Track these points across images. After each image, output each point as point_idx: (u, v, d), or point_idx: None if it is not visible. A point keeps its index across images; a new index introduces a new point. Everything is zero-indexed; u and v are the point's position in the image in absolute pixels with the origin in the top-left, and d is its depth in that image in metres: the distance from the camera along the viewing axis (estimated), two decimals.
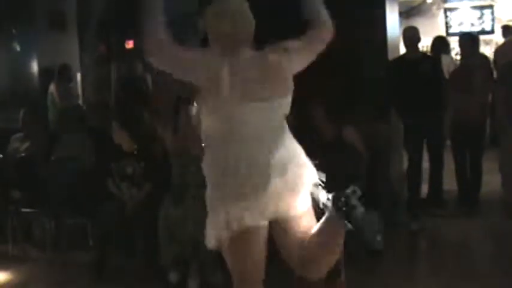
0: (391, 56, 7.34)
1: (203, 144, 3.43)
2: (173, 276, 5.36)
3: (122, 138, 6.02)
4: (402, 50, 7.55)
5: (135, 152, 5.97)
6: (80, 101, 10.50)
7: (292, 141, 3.37)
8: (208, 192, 3.36)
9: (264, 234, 3.28)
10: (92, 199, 6.14)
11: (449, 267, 5.68)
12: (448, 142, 7.48)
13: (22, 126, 7.64)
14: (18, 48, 11.16)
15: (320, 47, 3.47)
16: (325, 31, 3.52)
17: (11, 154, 7.45)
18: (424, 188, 7.34)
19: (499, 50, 10.23)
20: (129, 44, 10.76)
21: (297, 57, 3.36)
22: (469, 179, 7.36)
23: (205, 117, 3.31)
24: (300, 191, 3.29)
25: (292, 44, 3.37)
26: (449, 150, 7.44)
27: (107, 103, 9.28)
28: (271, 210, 3.23)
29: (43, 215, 6.58)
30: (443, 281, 5.29)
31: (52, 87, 9.54)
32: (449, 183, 7.42)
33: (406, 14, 12.86)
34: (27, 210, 6.65)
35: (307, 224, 3.35)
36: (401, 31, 7.55)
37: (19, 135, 7.62)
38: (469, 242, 6.49)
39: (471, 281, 5.31)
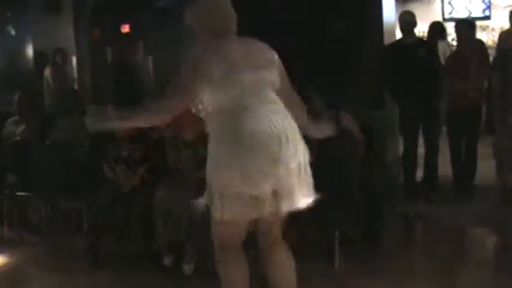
0: (387, 41, 7.33)
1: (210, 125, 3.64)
2: (168, 260, 5.36)
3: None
4: (398, 35, 7.54)
5: (131, 137, 5.95)
6: (76, 85, 10.49)
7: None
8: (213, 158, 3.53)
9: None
10: (87, 183, 6.12)
11: (444, 252, 5.69)
12: (444, 128, 7.48)
13: (17, 110, 7.62)
14: (13, 32, 11.15)
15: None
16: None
17: (6, 138, 7.43)
18: (420, 174, 7.34)
19: (503, 35, 10.09)
20: (125, 28, 10.74)
21: (275, 72, 3.66)
22: (464, 164, 7.37)
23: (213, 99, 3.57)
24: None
25: (280, 68, 3.73)
26: (444, 136, 7.43)
27: (103, 86, 9.28)
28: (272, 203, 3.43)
29: (38, 199, 6.56)
30: (439, 266, 5.30)
31: (47, 71, 9.52)
32: (445, 169, 7.43)
33: None
34: (23, 194, 6.62)
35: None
36: (397, 16, 7.53)
37: (14, 118, 7.60)
38: (463, 227, 6.50)
39: (466, 266, 5.33)
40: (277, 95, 3.61)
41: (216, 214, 3.51)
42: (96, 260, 5.72)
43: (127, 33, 10.86)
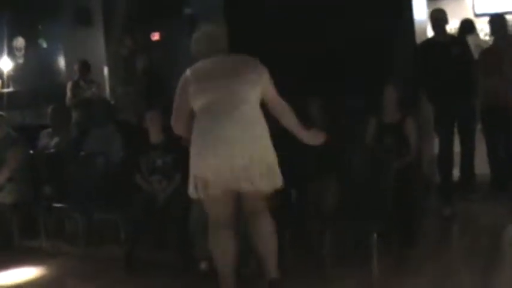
0: (418, 39, 7.26)
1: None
2: (204, 265, 5.35)
3: (154, 125, 6.04)
4: (430, 33, 7.46)
5: (164, 146, 5.97)
6: (107, 95, 10.55)
7: (261, 127, 4.40)
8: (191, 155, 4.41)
9: (231, 195, 4.39)
10: (122, 194, 6.14)
11: (481, 252, 5.61)
12: (479, 125, 7.38)
13: (51, 122, 7.69)
14: (45, 44, 11.26)
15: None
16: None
17: (41, 150, 7.50)
18: (456, 173, 7.25)
19: None
20: (155, 36, 10.79)
21: (253, 83, 4.42)
22: (502, 162, 7.25)
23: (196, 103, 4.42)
24: (260, 171, 4.30)
25: (265, 80, 4.48)
26: (480, 134, 7.33)
27: (134, 96, 9.30)
28: (233, 183, 4.29)
29: (74, 210, 6.59)
30: (476, 267, 5.23)
31: (70, 84, 9.50)
32: (481, 167, 7.32)
33: None
34: (59, 205, 6.66)
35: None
36: (428, 14, 7.46)
37: (48, 130, 7.67)
38: (501, 227, 6.40)
39: (504, 266, 5.24)
40: (265, 103, 4.46)
41: (193, 195, 4.42)
42: (132, 269, 5.73)
43: (157, 41, 10.91)
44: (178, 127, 4.59)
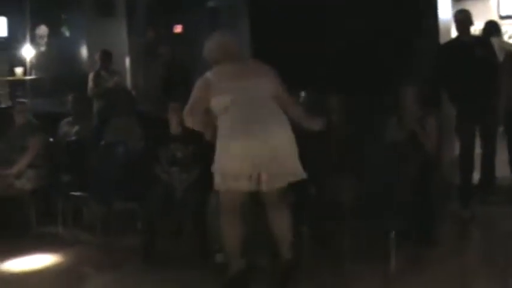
0: (442, 40, 7.21)
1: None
2: (220, 257, 5.36)
3: (175, 116, 6.04)
4: (454, 33, 7.41)
5: (184, 137, 5.96)
6: (129, 85, 10.57)
7: (283, 121, 4.82)
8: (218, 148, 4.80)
9: (254, 184, 4.70)
10: (141, 184, 6.15)
11: (502, 256, 5.57)
12: (501, 128, 7.32)
13: (72, 111, 7.72)
14: (67, 34, 11.30)
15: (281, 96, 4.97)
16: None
17: (61, 138, 7.53)
18: (476, 175, 7.20)
19: None
20: (177, 28, 10.79)
21: (267, 81, 4.92)
22: None
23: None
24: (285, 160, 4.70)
25: (275, 79, 4.98)
26: (501, 136, 7.28)
27: (155, 87, 9.31)
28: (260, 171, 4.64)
29: (92, 199, 6.61)
30: (496, 270, 5.19)
31: (91, 74, 9.53)
32: (502, 170, 7.27)
33: None
34: (77, 193, 6.69)
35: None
36: (453, 14, 7.40)
37: (69, 119, 7.70)
38: None
39: None
40: (274, 98, 4.85)
41: (220, 186, 4.79)
42: (150, 259, 5.75)
43: (179, 34, 10.92)
44: (190, 120, 5.00)
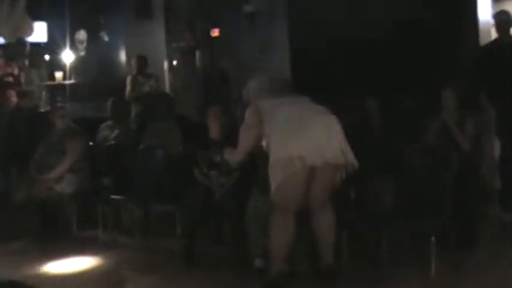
0: (482, 41, 7.14)
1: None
2: (259, 262, 5.34)
3: (215, 121, 6.06)
4: (494, 34, 7.32)
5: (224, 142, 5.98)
6: (167, 89, 10.63)
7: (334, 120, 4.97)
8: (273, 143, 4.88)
9: (309, 174, 4.81)
10: (180, 187, 6.18)
11: None
12: None
13: (111, 115, 7.78)
14: (106, 38, 11.40)
15: None
16: None
17: (100, 142, 7.60)
18: None
19: None
20: (215, 32, 10.81)
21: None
22: None
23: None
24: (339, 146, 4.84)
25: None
26: None
27: (193, 91, 9.35)
28: (316, 158, 4.75)
29: (132, 202, 6.66)
30: None
31: (129, 78, 9.61)
32: None
33: None
34: (116, 197, 6.74)
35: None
36: (492, 15, 7.32)
37: (108, 123, 7.77)
38: None
39: None
40: None
41: (279, 178, 4.76)
42: (190, 262, 5.77)
43: (217, 38, 10.94)
44: (242, 157, 5.22)
